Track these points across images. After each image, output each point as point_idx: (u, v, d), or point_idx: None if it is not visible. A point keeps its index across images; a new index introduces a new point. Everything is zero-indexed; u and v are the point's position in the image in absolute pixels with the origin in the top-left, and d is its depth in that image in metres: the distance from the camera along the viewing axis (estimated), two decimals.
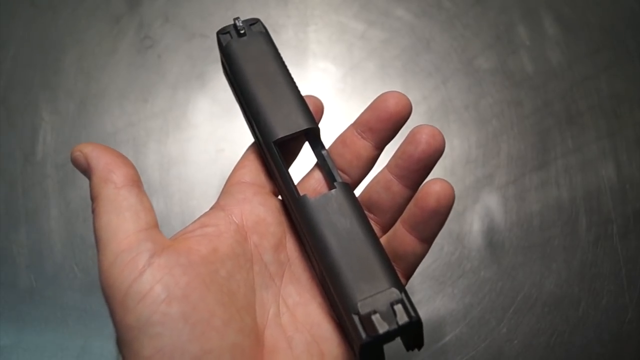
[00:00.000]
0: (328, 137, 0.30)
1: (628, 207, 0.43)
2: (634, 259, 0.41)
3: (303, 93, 0.29)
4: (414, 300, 0.40)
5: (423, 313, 0.40)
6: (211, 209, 0.27)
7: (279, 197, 0.29)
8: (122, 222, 0.23)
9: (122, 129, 0.45)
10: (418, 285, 0.41)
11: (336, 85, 0.47)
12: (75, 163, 0.25)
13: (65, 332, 0.39)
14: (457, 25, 0.49)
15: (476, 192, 0.43)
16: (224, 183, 0.29)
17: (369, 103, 0.28)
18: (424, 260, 0.37)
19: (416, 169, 0.27)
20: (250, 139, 0.30)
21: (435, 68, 0.48)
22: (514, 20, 0.50)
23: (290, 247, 0.28)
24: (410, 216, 0.26)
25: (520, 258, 0.41)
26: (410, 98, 0.28)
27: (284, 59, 0.29)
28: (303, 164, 0.31)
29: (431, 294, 0.40)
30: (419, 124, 0.27)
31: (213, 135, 0.45)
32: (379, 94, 0.28)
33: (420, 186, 0.26)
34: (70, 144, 0.44)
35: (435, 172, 0.27)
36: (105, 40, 0.48)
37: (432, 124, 0.45)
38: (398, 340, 0.24)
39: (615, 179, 0.44)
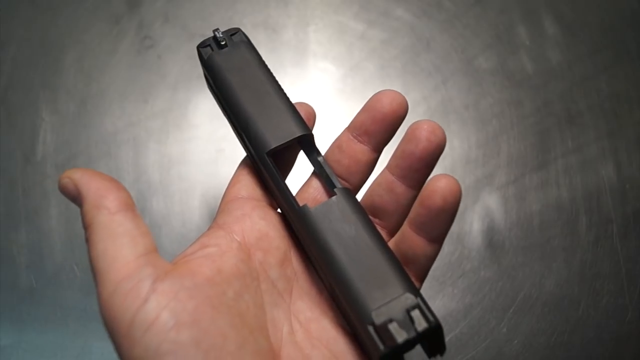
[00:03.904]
0: (328, 138, 0.30)
1: (628, 207, 0.43)
2: (634, 259, 0.41)
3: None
4: None
5: None
6: (209, 229, 0.26)
7: (278, 210, 0.28)
8: (119, 249, 0.22)
9: (122, 129, 0.45)
10: None
11: (336, 85, 0.47)
12: (64, 190, 0.23)
13: (65, 332, 0.39)
14: (457, 25, 0.49)
15: (476, 192, 0.43)
16: (224, 183, 0.29)
17: None
18: None
19: (418, 168, 0.26)
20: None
21: (435, 68, 0.48)
22: (514, 20, 0.50)
23: (295, 260, 0.27)
24: (417, 217, 0.25)
25: (520, 258, 0.41)
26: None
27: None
28: (300, 174, 0.30)
29: (431, 294, 0.40)
30: (416, 120, 0.26)
31: (213, 135, 0.45)
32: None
33: (425, 184, 0.24)
34: (70, 144, 0.44)
35: (435, 172, 0.27)
36: (105, 40, 0.48)
37: None
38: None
39: (615, 179, 0.44)
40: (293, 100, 0.28)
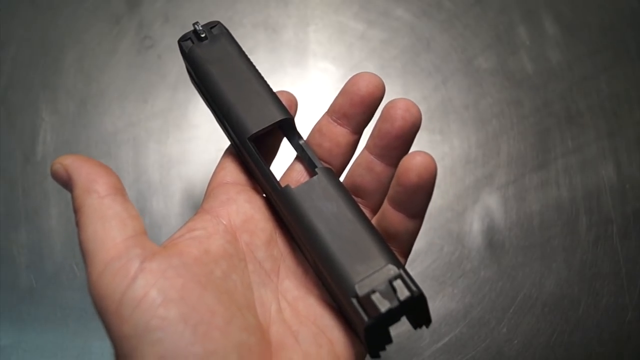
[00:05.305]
0: None
1: (628, 207, 0.43)
2: (634, 259, 0.41)
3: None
4: None
5: None
6: (196, 214, 0.26)
7: (263, 195, 0.29)
8: (108, 230, 0.22)
9: (122, 129, 0.45)
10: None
11: (336, 85, 0.47)
12: (56, 176, 0.24)
13: (65, 332, 0.39)
14: (457, 25, 0.49)
15: (476, 192, 0.43)
16: None
17: None
18: (424, 260, 0.36)
19: (395, 146, 0.26)
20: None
21: (435, 68, 0.48)
22: (514, 20, 0.50)
23: (281, 242, 0.27)
24: (395, 194, 0.25)
25: (520, 258, 0.41)
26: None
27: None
28: (286, 161, 0.30)
29: (431, 294, 0.40)
30: (391, 99, 0.26)
31: (213, 135, 0.45)
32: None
33: (400, 162, 0.25)
34: (70, 143, 0.44)
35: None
36: (105, 40, 0.48)
37: (432, 124, 0.45)
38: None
39: (615, 179, 0.44)
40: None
